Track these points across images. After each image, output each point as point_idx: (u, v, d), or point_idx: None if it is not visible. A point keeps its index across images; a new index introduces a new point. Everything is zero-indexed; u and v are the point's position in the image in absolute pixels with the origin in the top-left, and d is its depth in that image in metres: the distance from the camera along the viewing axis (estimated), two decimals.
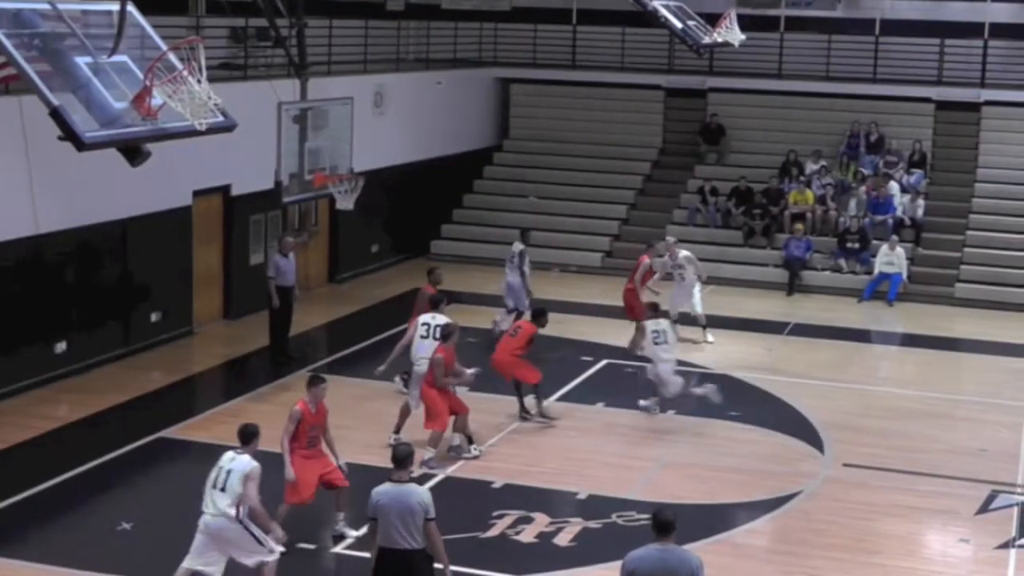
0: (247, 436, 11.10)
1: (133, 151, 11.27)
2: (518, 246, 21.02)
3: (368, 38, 25.71)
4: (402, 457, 10.14)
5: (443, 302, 16.52)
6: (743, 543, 13.36)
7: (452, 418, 15.18)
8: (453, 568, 10.31)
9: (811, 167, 28.10)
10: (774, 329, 22.62)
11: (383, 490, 9.97)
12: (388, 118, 25.73)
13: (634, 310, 20.16)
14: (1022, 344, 22.04)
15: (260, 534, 10.95)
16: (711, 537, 13.28)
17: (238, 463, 10.85)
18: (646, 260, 20.85)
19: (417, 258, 27.60)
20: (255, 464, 10.88)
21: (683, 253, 21.04)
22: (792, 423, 17.24)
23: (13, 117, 16.06)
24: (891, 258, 25.30)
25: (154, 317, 19.82)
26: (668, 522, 8.82)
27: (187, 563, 11.09)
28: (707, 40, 22.81)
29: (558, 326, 20.16)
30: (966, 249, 26.30)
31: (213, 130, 11.49)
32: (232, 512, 10.76)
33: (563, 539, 13.11)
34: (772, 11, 30.48)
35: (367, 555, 10.69)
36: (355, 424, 15.99)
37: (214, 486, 10.87)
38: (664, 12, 21.88)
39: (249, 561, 10.97)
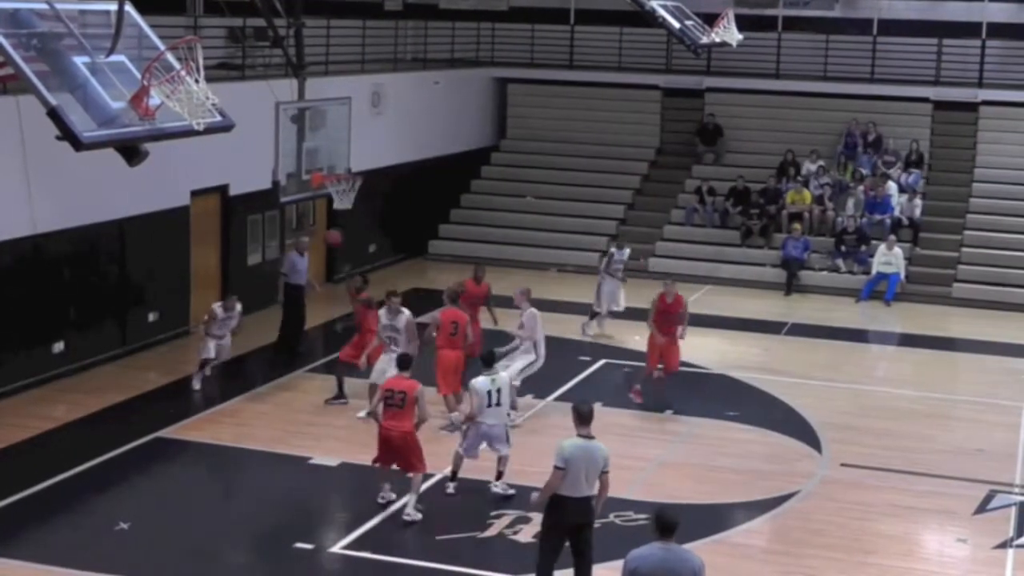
0: (489, 360, 14.05)
1: (131, 151, 11.28)
2: (621, 252, 21.35)
3: (366, 38, 25.71)
4: (586, 414, 11.00)
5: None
6: (741, 543, 13.36)
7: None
8: (452, 568, 10.42)
9: (809, 167, 28.12)
10: (772, 329, 22.63)
11: (574, 443, 10.84)
12: (386, 118, 25.73)
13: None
14: (1020, 344, 22.05)
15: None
16: (709, 537, 13.27)
17: (501, 380, 13.82)
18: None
19: (415, 258, 27.65)
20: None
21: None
22: (790, 423, 17.25)
23: (11, 117, 16.03)
24: (889, 258, 25.32)
25: (151, 317, 19.81)
26: (672, 522, 8.95)
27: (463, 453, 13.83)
28: (705, 40, 22.84)
29: (557, 326, 20.18)
30: (964, 249, 26.32)
31: (211, 130, 11.50)
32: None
33: None
34: (769, 11, 30.50)
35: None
36: (355, 423, 15.99)
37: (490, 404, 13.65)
38: (662, 12, 21.90)
39: (504, 450, 13.96)
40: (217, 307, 17.83)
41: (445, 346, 16.25)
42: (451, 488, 14.09)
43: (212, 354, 17.75)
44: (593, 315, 21.57)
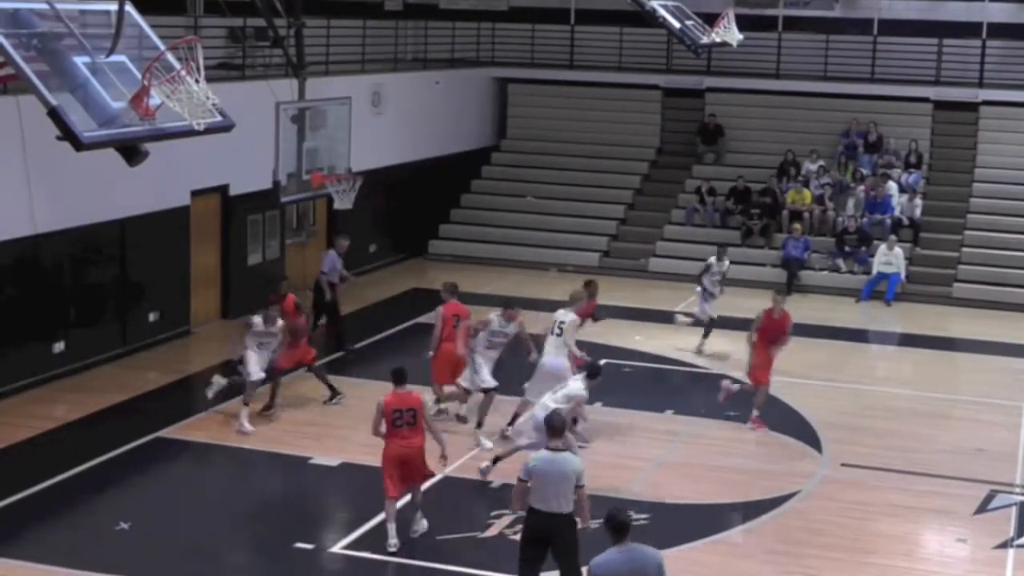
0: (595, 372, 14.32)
1: (131, 151, 11.29)
2: (716, 266, 21.08)
3: (366, 38, 25.71)
4: (558, 426, 10.90)
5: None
6: (741, 543, 13.36)
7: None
8: (453, 568, 10.42)
9: (809, 167, 28.13)
10: None
11: (541, 456, 10.70)
12: (386, 118, 25.72)
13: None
14: (1020, 344, 22.04)
15: None
16: (709, 537, 13.29)
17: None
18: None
19: (415, 258, 27.65)
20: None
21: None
22: (790, 423, 17.24)
23: (11, 117, 16.04)
24: (889, 258, 25.32)
25: (152, 317, 19.81)
26: (625, 523, 8.96)
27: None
28: (705, 40, 22.85)
29: None
30: (964, 249, 26.32)
31: (211, 130, 11.51)
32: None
33: None
34: (770, 11, 30.49)
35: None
36: (354, 424, 15.99)
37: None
38: (662, 12, 21.91)
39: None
40: (256, 318, 16.19)
41: (448, 339, 16.27)
42: (486, 467, 14.42)
43: (260, 375, 16.10)
44: (707, 330, 20.87)
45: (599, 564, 8.84)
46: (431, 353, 16.34)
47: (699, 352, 20.61)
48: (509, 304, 16.38)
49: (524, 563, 10.79)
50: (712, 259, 21.23)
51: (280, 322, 16.25)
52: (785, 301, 17.67)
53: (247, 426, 15.86)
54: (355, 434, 15.42)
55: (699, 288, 21.00)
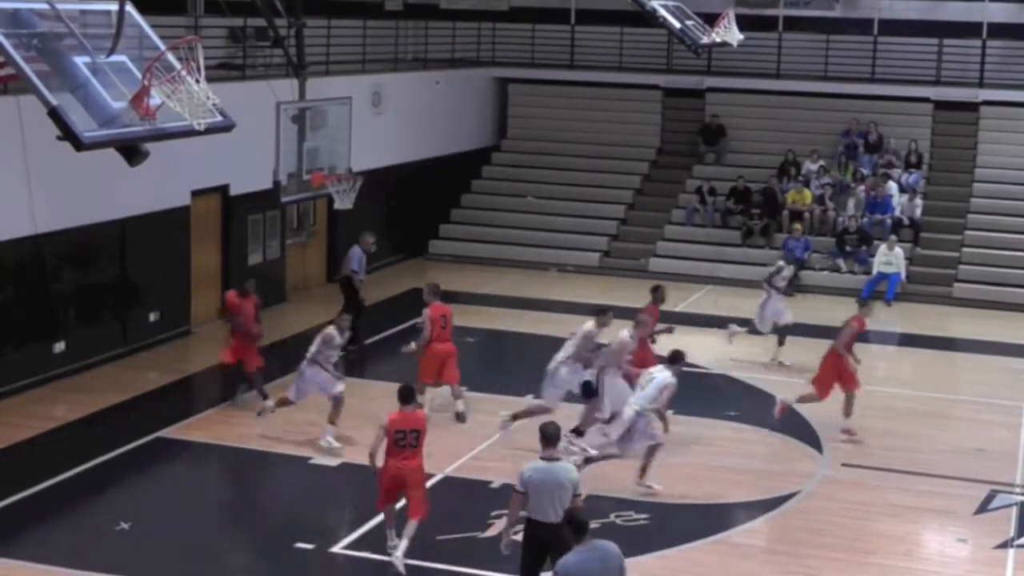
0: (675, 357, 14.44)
1: (131, 151, 11.30)
2: (786, 270, 20.66)
3: (366, 38, 25.71)
4: (551, 435, 10.71)
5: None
6: (741, 543, 13.36)
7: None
8: (453, 568, 10.35)
9: (809, 167, 28.13)
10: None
11: (535, 466, 10.51)
12: (386, 118, 25.73)
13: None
14: (1020, 344, 22.04)
15: None
16: (709, 537, 13.29)
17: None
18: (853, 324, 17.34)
19: (415, 258, 27.65)
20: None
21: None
22: (790, 423, 17.21)
23: (11, 117, 16.05)
24: (889, 258, 25.32)
25: (152, 317, 19.82)
26: (585, 522, 9.09)
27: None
28: (705, 40, 22.85)
29: (556, 326, 20.19)
30: (964, 249, 26.32)
31: (211, 130, 11.51)
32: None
33: None
34: (770, 11, 30.49)
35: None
36: (355, 424, 15.99)
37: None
38: (662, 12, 21.91)
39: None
40: (333, 330, 15.47)
41: (436, 340, 16.39)
42: (579, 453, 14.42)
43: (340, 387, 15.47)
44: (752, 331, 20.35)
45: (568, 565, 8.87)
46: (412, 346, 16.50)
47: (778, 363, 19.96)
48: (603, 311, 15.99)
49: (524, 568, 10.74)
50: (781, 262, 20.89)
51: (347, 334, 15.68)
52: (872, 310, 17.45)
53: (333, 443, 15.27)
54: (356, 434, 15.42)
55: (769, 292, 20.33)
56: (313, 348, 15.44)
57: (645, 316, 16.50)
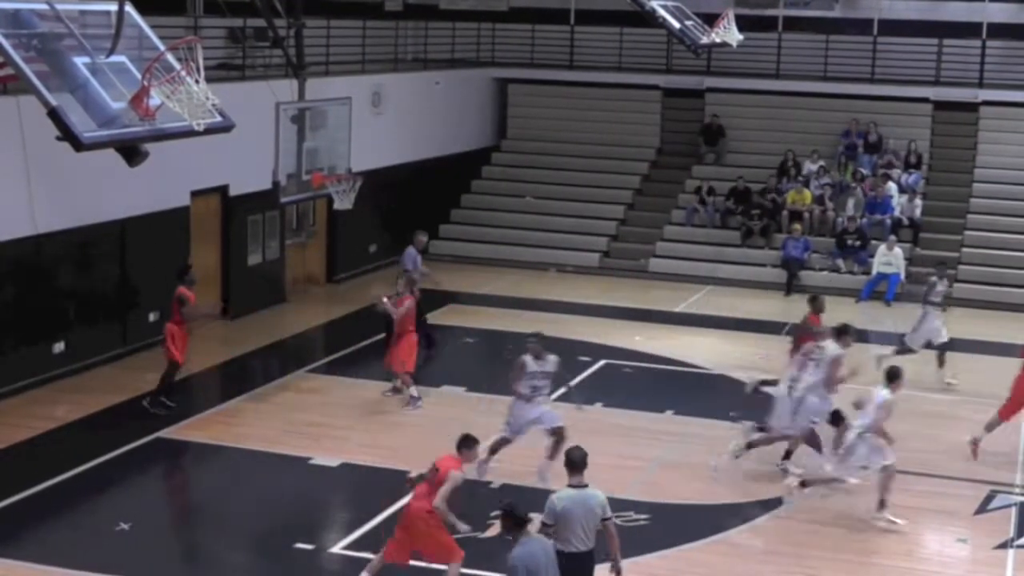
0: None
1: (131, 151, 11.31)
2: (940, 285, 20.03)
3: (366, 38, 25.71)
4: (578, 460, 10.25)
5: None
6: (741, 543, 13.36)
7: None
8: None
9: (809, 167, 28.13)
10: (772, 329, 22.58)
11: (566, 495, 10.07)
12: (386, 118, 25.73)
13: None
14: (1020, 344, 21.97)
15: None
16: (709, 537, 13.29)
17: None
18: None
19: None
20: None
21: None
22: None
23: (11, 117, 16.05)
24: (889, 258, 25.32)
25: (152, 317, 19.78)
26: (524, 517, 9.31)
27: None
28: (705, 40, 22.85)
29: (556, 326, 20.19)
30: (964, 249, 26.32)
31: (211, 130, 11.52)
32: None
33: None
34: (770, 11, 30.49)
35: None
36: (354, 424, 16.01)
37: None
38: (662, 12, 21.92)
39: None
40: (528, 358, 14.08)
41: (415, 330, 17.46)
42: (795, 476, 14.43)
43: (559, 422, 14.18)
44: (902, 349, 19.63)
45: (521, 556, 9.11)
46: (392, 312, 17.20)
47: (947, 383, 19.38)
48: (845, 331, 15.31)
49: None
50: (933, 278, 20.39)
51: (553, 357, 14.19)
52: None
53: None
54: (355, 434, 15.42)
55: (926, 310, 19.88)
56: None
57: (826, 328, 15.69)
